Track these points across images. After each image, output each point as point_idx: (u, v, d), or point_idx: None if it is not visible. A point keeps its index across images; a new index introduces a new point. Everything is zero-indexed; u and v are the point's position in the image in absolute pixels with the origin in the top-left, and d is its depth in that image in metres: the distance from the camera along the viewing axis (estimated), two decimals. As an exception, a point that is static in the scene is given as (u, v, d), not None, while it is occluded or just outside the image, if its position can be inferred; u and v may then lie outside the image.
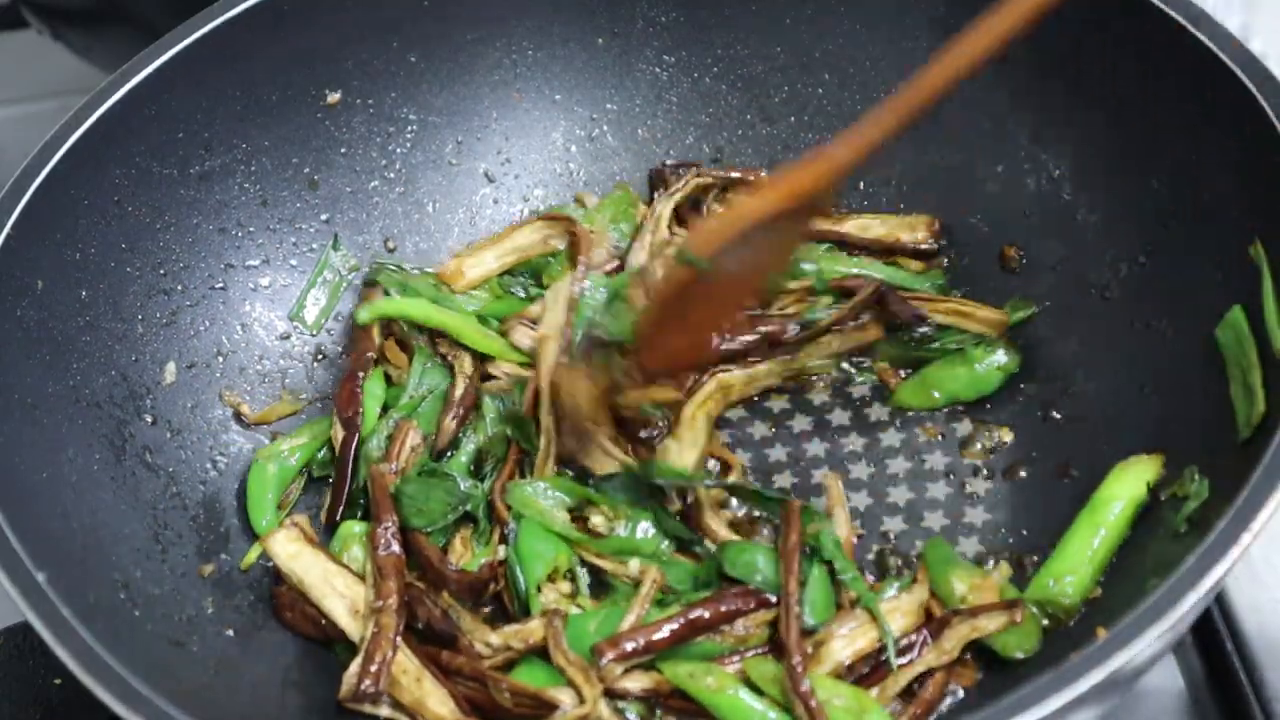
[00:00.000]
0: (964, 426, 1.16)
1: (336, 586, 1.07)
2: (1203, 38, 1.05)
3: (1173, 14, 1.07)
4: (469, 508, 1.13)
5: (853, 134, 0.96)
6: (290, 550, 1.09)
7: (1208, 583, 0.81)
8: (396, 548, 1.08)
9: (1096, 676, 0.78)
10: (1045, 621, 1.01)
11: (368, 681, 0.99)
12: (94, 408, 1.11)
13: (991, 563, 1.08)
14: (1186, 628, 0.87)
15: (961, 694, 1.01)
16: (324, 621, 1.07)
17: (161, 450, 1.14)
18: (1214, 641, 1.09)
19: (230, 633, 1.07)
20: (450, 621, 1.05)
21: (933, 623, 1.01)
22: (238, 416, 1.21)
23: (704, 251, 0.98)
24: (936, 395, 1.17)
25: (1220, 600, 1.10)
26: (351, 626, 1.05)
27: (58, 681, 1.09)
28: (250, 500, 1.16)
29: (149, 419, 1.15)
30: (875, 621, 1.01)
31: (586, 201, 1.34)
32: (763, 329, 1.19)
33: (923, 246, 1.25)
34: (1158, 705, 1.09)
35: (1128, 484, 1.04)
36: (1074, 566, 1.02)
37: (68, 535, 1.01)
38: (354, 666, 1.01)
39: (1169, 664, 1.10)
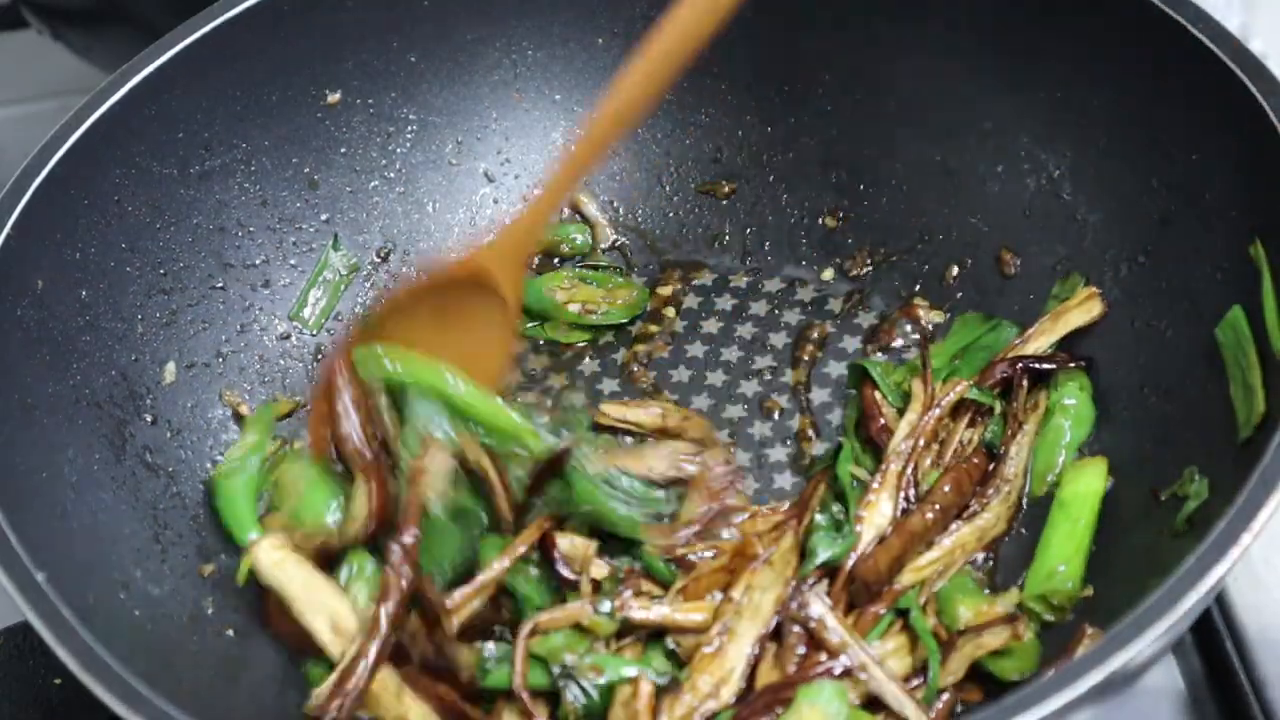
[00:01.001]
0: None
1: (320, 600, 1.03)
2: (1203, 38, 1.05)
3: (1173, 14, 1.07)
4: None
5: (514, 221, 1.12)
6: (275, 558, 1.05)
7: (1208, 583, 0.81)
8: (407, 569, 1.02)
9: (1096, 676, 0.78)
10: (1049, 616, 1.02)
11: (335, 704, 0.95)
12: (94, 408, 1.11)
13: (992, 561, 1.08)
14: (1186, 628, 0.87)
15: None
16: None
17: (161, 450, 1.14)
18: (1214, 641, 1.09)
19: (230, 633, 1.07)
20: (445, 657, 1.01)
21: (939, 646, 1.00)
22: (238, 417, 1.21)
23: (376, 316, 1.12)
24: (1063, 451, 1.11)
25: (1220, 600, 1.10)
26: (332, 643, 1.01)
27: (58, 681, 1.09)
28: (225, 518, 1.13)
29: (149, 419, 1.15)
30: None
31: (583, 204, 1.34)
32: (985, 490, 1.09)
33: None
34: (1158, 705, 1.09)
35: (1083, 482, 1.06)
36: (1064, 556, 1.03)
37: (68, 535, 1.01)
38: (325, 686, 0.97)
39: (1169, 664, 1.10)
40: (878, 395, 1.16)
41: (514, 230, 1.14)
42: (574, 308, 1.28)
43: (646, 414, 1.19)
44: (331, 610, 1.03)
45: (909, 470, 1.08)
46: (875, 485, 1.07)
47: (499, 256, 1.14)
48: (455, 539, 1.05)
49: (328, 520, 1.08)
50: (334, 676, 0.98)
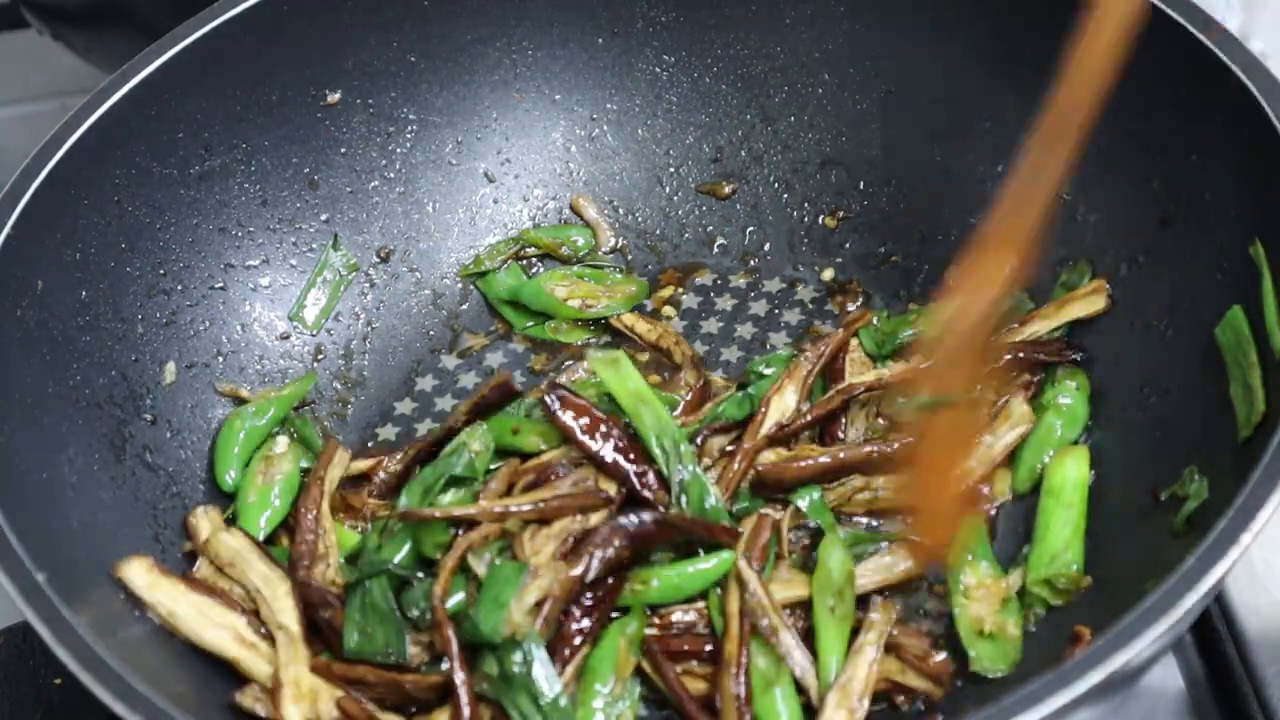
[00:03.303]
0: (964, 426, 1.16)
1: (212, 617, 1.01)
2: (1203, 38, 1.05)
3: (1173, 14, 1.07)
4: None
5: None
6: (148, 580, 1.01)
7: (1208, 583, 0.81)
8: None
9: (1096, 676, 0.78)
10: (1055, 600, 1.03)
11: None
12: (94, 408, 1.11)
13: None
14: (1186, 628, 0.87)
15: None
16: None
17: (161, 450, 1.14)
18: (1214, 641, 1.09)
19: (230, 633, 1.07)
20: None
21: None
22: (238, 401, 1.20)
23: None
24: (1051, 450, 1.11)
25: (1220, 600, 1.10)
26: (246, 655, 1.01)
27: (58, 681, 1.09)
28: (216, 455, 1.16)
29: (149, 419, 1.15)
30: None
31: (583, 207, 1.34)
32: None
33: None
34: (1158, 705, 1.09)
35: (1068, 469, 1.07)
36: (1064, 540, 1.04)
37: (68, 535, 1.01)
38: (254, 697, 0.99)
39: (1169, 664, 1.10)
40: (854, 341, 1.19)
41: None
42: (574, 303, 1.29)
43: (648, 328, 1.26)
44: (230, 623, 1.02)
45: (813, 370, 1.15)
46: (784, 377, 1.15)
47: None
48: (389, 626, 1.02)
49: (259, 528, 1.12)
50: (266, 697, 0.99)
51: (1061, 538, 1.04)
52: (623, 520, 1.02)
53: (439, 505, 1.07)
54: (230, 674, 1.02)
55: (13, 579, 0.90)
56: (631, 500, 1.07)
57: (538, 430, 1.12)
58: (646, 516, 1.03)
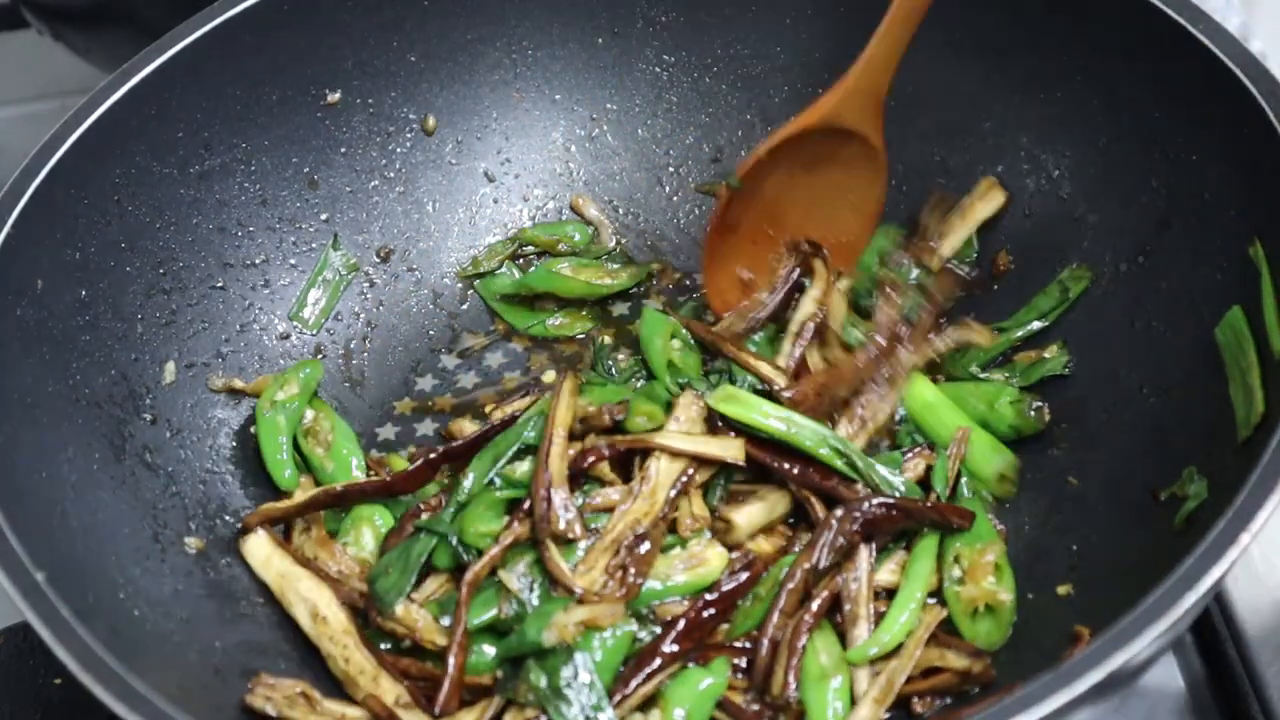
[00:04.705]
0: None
1: (300, 591, 1.07)
2: (1203, 38, 1.05)
3: (1172, 14, 1.07)
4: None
5: (857, 63, 1.13)
6: (264, 554, 1.10)
7: (1207, 583, 0.81)
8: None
9: (1096, 676, 0.78)
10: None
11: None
12: (94, 407, 1.11)
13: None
14: (1186, 627, 0.87)
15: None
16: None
17: (161, 450, 1.14)
18: (1214, 641, 1.09)
19: (229, 632, 1.07)
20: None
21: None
22: (233, 394, 1.21)
23: (740, 172, 1.19)
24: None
25: (1220, 600, 1.10)
26: (312, 630, 1.05)
27: (58, 681, 1.09)
28: (265, 457, 1.17)
29: (148, 418, 1.15)
30: None
31: (583, 206, 1.34)
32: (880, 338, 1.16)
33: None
34: (1158, 705, 1.09)
35: (919, 389, 1.16)
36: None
37: (68, 535, 1.01)
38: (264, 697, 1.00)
39: (1169, 664, 1.10)
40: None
41: (866, 69, 1.14)
42: (582, 279, 1.29)
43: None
44: (310, 599, 1.06)
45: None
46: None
47: (855, 100, 1.15)
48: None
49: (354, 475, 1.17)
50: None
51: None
52: (861, 507, 1.03)
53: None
54: (233, 674, 1.02)
55: (13, 579, 0.90)
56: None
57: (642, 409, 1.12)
58: (884, 501, 1.04)
